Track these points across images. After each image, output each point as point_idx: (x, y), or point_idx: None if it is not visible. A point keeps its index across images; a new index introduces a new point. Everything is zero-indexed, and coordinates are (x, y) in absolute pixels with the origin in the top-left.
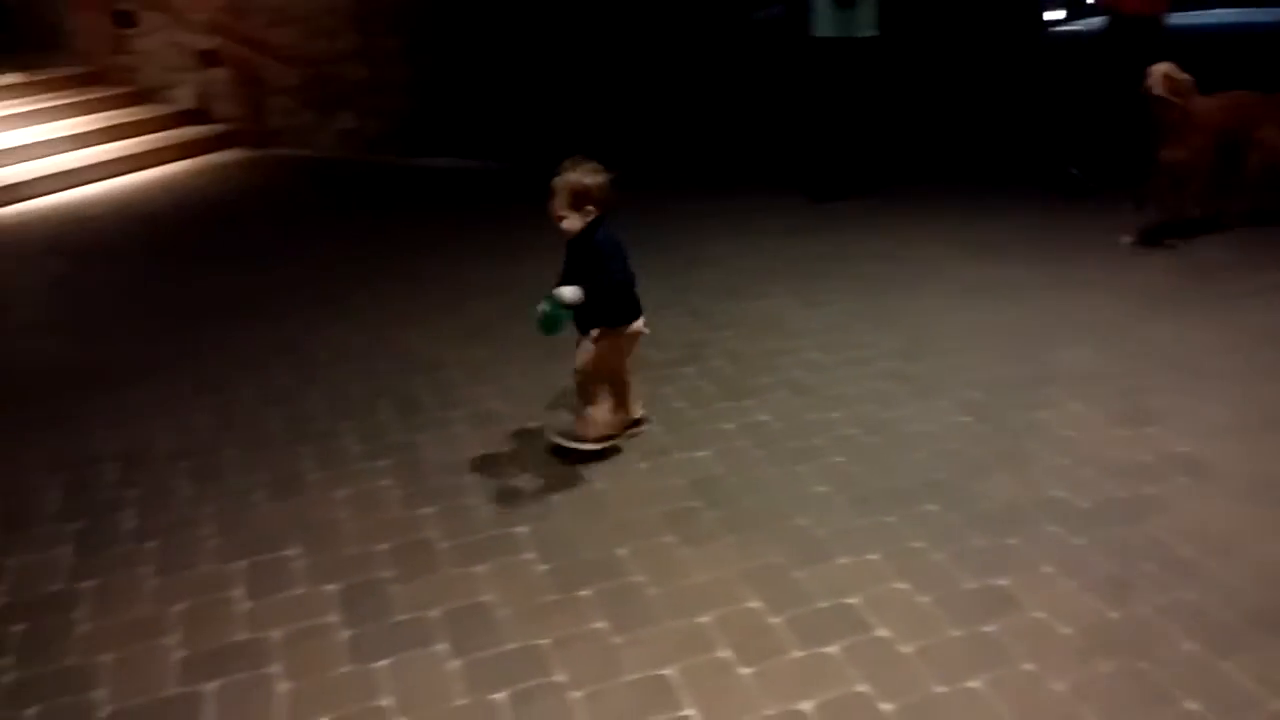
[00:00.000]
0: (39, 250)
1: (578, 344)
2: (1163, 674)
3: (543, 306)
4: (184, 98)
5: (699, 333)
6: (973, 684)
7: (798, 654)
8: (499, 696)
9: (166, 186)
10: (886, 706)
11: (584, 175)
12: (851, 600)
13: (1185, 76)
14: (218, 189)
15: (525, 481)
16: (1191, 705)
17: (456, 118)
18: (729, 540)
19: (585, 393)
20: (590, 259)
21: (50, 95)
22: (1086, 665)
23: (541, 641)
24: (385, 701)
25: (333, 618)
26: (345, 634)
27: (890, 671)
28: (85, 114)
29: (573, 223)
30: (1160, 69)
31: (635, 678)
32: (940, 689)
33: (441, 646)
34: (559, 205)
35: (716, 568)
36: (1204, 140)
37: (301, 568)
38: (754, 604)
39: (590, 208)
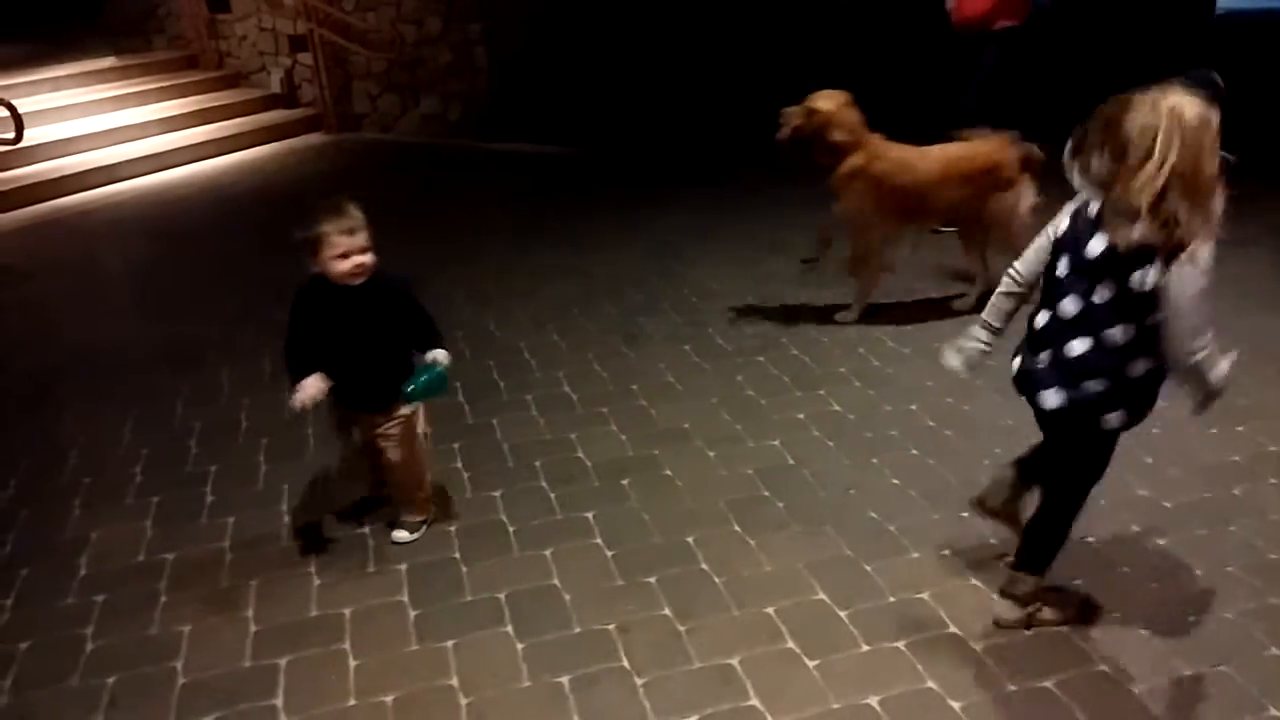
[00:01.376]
0: (130, 231)
1: (368, 433)
2: (1246, 679)
3: (425, 379)
4: (273, 82)
5: (774, 321)
6: (1046, 684)
7: (865, 648)
8: (563, 680)
9: (252, 170)
10: (955, 704)
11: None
12: (922, 595)
13: (852, 115)
14: (302, 172)
15: (595, 466)
16: (1277, 711)
17: (537, 103)
18: (797, 531)
19: (412, 486)
20: (410, 308)
21: (143, 79)
22: (1166, 668)
23: (607, 626)
24: (450, 681)
25: (402, 596)
26: (414, 613)
27: (960, 669)
28: (177, 98)
29: (372, 260)
30: (810, 105)
31: (699, 666)
32: (1012, 688)
33: (507, 628)
34: (364, 240)
35: (785, 558)
36: (874, 207)
37: (373, 547)
38: (821, 596)
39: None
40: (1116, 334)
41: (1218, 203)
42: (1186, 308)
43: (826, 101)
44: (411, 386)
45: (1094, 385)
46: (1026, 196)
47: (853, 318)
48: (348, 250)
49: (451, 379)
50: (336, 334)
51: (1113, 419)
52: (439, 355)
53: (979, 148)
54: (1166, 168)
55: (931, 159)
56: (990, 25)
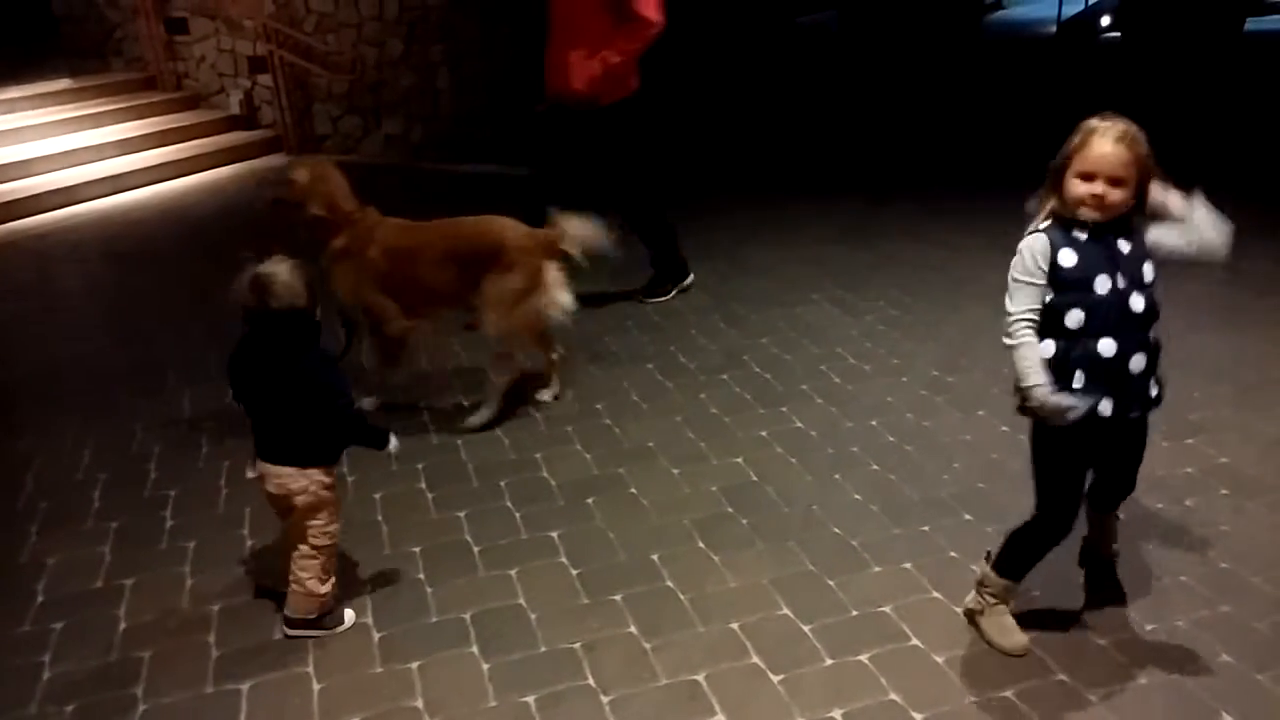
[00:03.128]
0: (88, 254)
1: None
2: (1199, 687)
3: None
4: (232, 104)
5: (738, 340)
6: (1007, 694)
7: (829, 662)
8: (529, 699)
9: (212, 191)
10: (919, 716)
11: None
12: (885, 609)
13: (333, 187)
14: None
15: (560, 485)
16: (1230, 718)
17: (501, 124)
18: (762, 547)
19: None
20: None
21: (101, 101)
22: (1123, 677)
23: (573, 645)
24: (416, 702)
25: (366, 618)
26: (378, 634)
27: (923, 681)
28: (135, 119)
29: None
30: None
31: (666, 683)
32: (973, 699)
33: (473, 648)
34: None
35: (749, 574)
36: (368, 293)
37: (337, 569)
38: (786, 611)
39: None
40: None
41: None
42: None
43: (302, 171)
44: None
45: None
46: (544, 287)
47: (479, 421)
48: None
49: (415, 398)
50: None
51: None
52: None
53: (483, 226)
54: None
55: (428, 237)
56: (599, 101)
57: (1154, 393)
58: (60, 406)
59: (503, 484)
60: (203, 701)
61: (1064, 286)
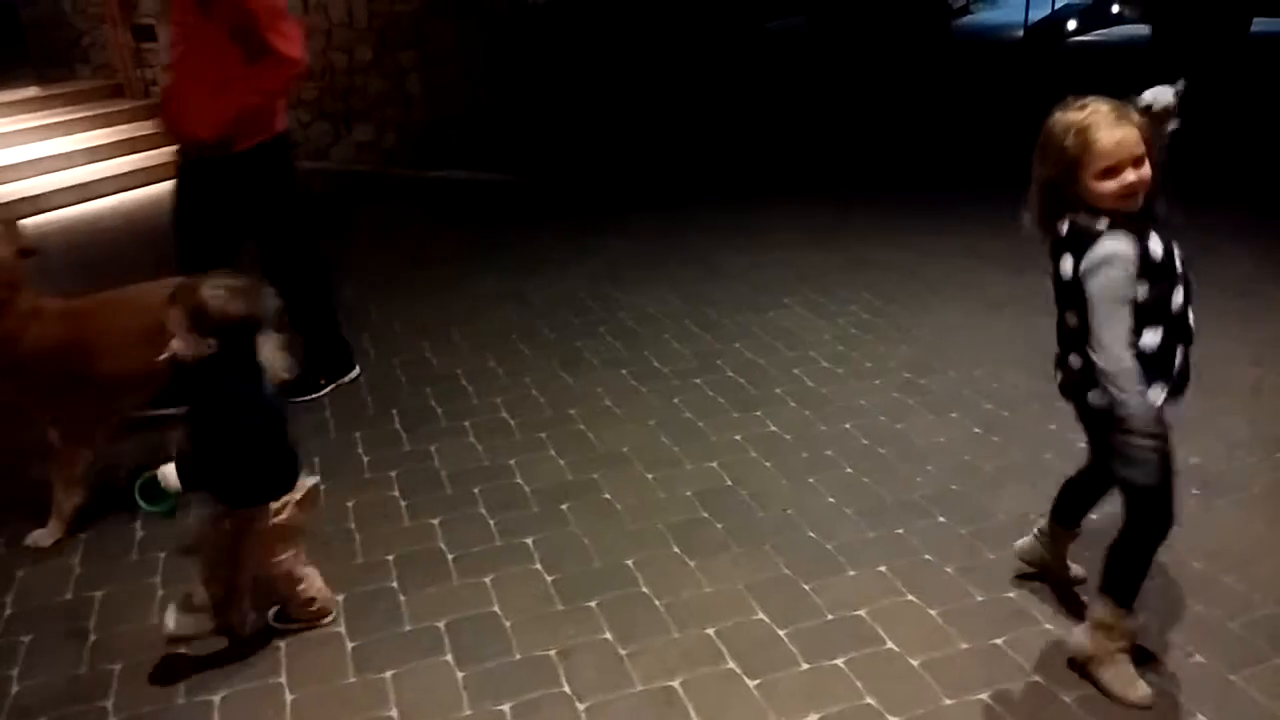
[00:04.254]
0: (56, 263)
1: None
2: (1173, 687)
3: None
4: None
5: (711, 344)
6: (982, 696)
7: (805, 666)
8: (504, 707)
9: None
10: (894, 719)
11: (213, 294)
12: (860, 613)
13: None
14: None
15: (534, 491)
16: (1204, 717)
17: (474, 130)
18: (737, 552)
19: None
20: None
21: (68, 108)
22: None
23: (548, 652)
24: (390, 712)
25: (339, 628)
26: (351, 644)
27: (898, 684)
28: (103, 127)
29: (184, 346)
30: None
31: (642, 689)
32: (948, 702)
33: (447, 657)
34: (173, 319)
35: (724, 579)
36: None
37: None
38: (761, 616)
39: (212, 341)
40: None
41: None
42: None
43: None
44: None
45: None
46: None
47: (48, 540)
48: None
49: (388, 405)
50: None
51: None
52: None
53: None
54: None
55: (103, 314)
56: (231, 146)
57: None
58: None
59: (477, 491)
60: (174, 713)
61: (1159, 274)
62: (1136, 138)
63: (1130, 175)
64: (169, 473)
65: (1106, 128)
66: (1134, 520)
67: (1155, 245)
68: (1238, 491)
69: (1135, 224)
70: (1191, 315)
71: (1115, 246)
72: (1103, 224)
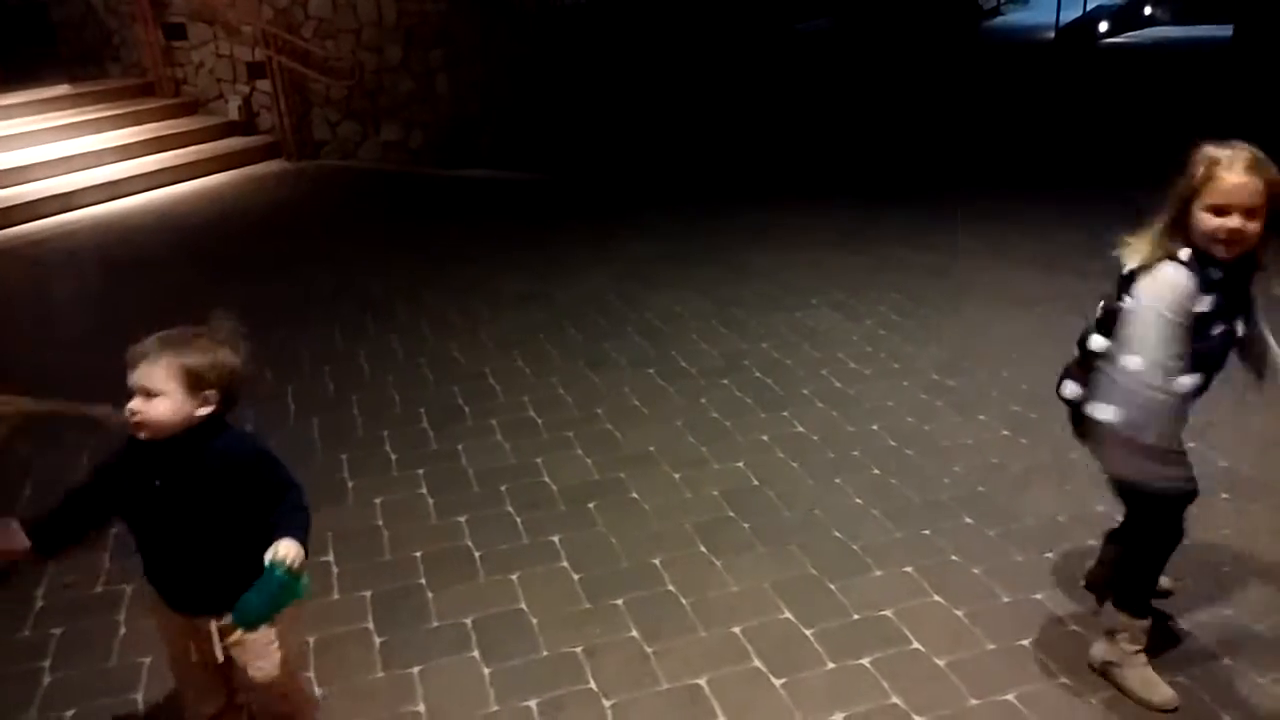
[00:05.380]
0: (84, 261)
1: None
2: (1202, 690)
3: (256, 595)
4: (231, 109)
5: (738, 344)
6: (1008, 697)
7: (831, 666)
8: (530, 703)
9: (210, 197)
10: (920, 719)
11: (207, 345)
12: (886, 613)
13: None
14: (260, 200)
15: (561, 490)
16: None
17: (500, 130)
18: (763, 551)
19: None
20: (245, 482)
21: (99, 106)
22: None
23: (574, 649)
24: (417, 708)
25: (367, 624)
26: (379, 640)
27: (924, 685)
28: (133, 125)
29: (170, 408)
30: None
31: (667, 687)
32: (974, 702)
33: (474, 653)
34: (155, 377)
35: (750, 579)
36: None
37: (338, 574)
38: (787, 615)
39: (212, 394)
40: None
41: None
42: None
43: None
44: (241, 608)
45: None
46: None
47: None
48: (132, 387)
49: (415, 404)
50: (136, 505)
51: None
52: (279, 551)
53: None
54: None
55: None
56: None
57: None
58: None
59: (503, 489)
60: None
61: (1197, 325)
62: (1258, 189)
63: (1234, 221)
64: (295, 549)
65: (1234, 169)
66: (1143, 534)
67: (1205, 305)
68: (1269, 495)
69: (1211, 270)
70: (1191, 383)
71: (1176, 277)
72: (1185, 254)
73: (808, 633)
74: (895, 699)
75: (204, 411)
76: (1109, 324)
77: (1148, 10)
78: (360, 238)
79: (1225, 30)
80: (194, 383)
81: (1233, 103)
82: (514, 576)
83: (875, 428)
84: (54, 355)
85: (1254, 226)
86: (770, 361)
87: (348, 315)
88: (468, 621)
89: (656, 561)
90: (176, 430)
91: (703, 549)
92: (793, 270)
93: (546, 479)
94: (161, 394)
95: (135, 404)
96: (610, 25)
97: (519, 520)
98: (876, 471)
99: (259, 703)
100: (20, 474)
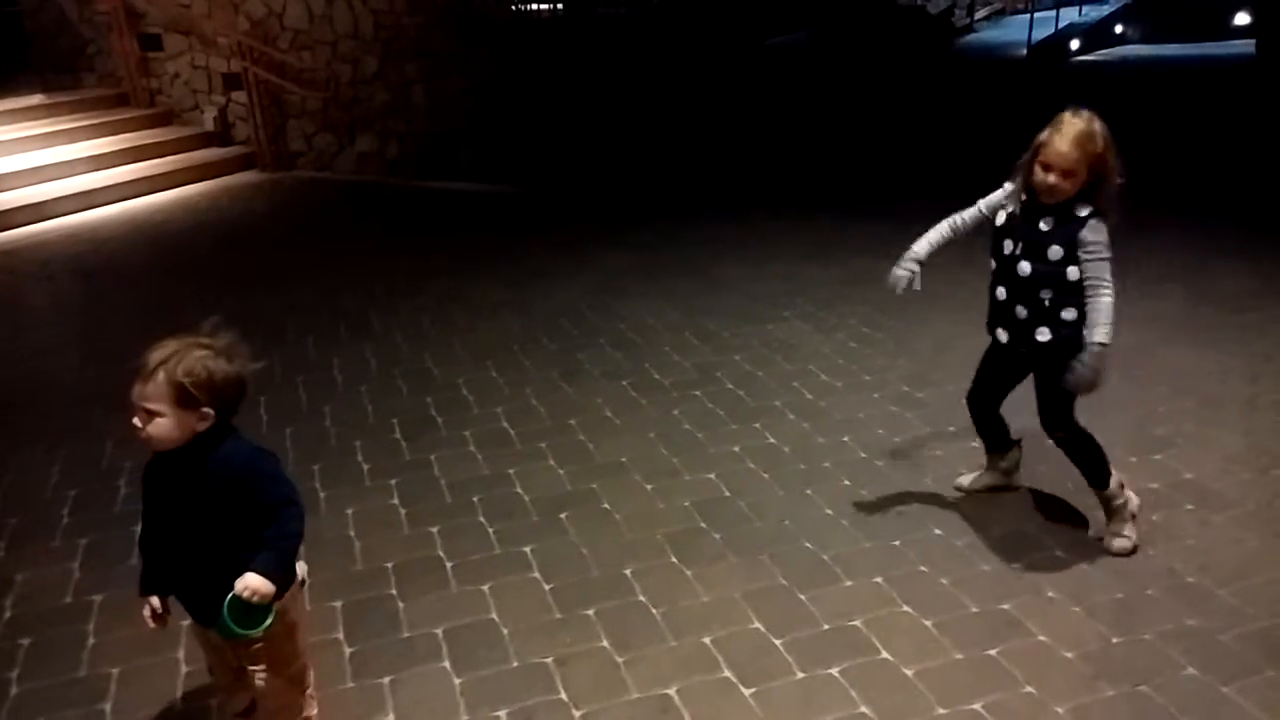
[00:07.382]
0: (58, 271)
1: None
2: (1165, 699)
3: (224, 612)
4: (206, 120)
5: (710, 356)
6: (975, 706)
7: (800, 675)
8: (501, 713)
9: (185, 208)
10: None
11: (200, 360)
12: (855, 623)
13: None
14: (236, 210)
15: (533, 501)
16: None
17: (476, 142)
18: (734, 562)
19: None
20: (237, 488)
21: (73, 116)
22: (1089, 689)
23: (545, 659)
24: (387, 718)
25: (337, 634)
26: (349, 650)
27: (893, 694)
28: (108, 135)
29: (169, 425)
30: None
31: (637, 697)
32: (942, 711)
33: (445, 664)
34: (151, 395)
35: (721, 589)
36: None
37: (309, 584)
38: (757, 625)
39: (208, 410)
40: None
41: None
42: None
43: None
44: (220, 620)
45: None
46: None
47: None
48: (134, 404)
49: (388, 414)
50: (151, 515)
51: None
52: (239, 583)
53: None
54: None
55: None
56: None
57: (1042, 339)
58: (28, 423)
59: (476, 499)
60: (173, 717)
61: (994, 237)
62: (1076, 158)
63: (1052, 178)
64: (256, 583)
65: (1064, 138)
66: (1070, 429)
67: (1000, 220)
68: (1232, 507)
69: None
70: (1002, 295)
71: (1000, 193)
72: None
73: (778, 642)
74: (864, 708)
75: (204, 425)
76: None
77: (1118, 29)
78: (335, 248)
79: (1191, 49)
80: (190, 400)
81: (1256, 114)
82: (485, 587)
83: (846, 439)
84: (31, 364)
85: (1066, 185)
86: (742, 373)
87: (322, 326)
88: (439, 632)
89: (628, 572)
90: (182, 443)
91: (674, 559)
92: (765, 282)
93: (519, 489)
94: (159, 413)
95: (138, 421)
96: (586, 39)
97: (491, 531)
98: (847, 483)
99: (260, 705)
100: None
